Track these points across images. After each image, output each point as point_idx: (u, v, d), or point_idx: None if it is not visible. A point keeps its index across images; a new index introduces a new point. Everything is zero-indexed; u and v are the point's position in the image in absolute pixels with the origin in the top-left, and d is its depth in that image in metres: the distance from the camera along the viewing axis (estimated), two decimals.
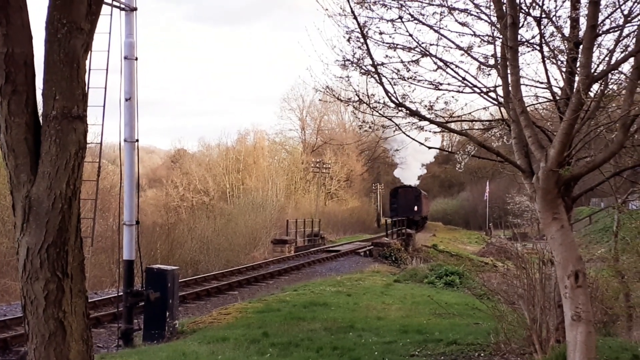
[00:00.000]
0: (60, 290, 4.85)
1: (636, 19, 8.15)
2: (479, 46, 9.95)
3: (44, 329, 4.83)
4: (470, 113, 10.84)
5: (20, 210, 4.88)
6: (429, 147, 10.55)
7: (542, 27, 9.30)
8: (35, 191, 4.82)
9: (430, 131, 10.24)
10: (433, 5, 9.65)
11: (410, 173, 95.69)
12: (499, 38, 9.32)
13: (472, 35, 9.86)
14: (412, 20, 9.64)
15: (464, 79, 9.85)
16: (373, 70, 9.49)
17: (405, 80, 9.93)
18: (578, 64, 8.11)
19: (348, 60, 9.83)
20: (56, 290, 4.84)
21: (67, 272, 4.89)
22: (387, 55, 9.88)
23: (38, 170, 4.84)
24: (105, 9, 14.07)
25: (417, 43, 9.77)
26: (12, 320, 18.00)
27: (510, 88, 8.69)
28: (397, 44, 9.83)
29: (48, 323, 4.83)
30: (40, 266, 4.81)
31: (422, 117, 9.71)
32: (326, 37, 9.84)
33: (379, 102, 9.81)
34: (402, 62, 9.88)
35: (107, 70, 14.57)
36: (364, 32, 9.42)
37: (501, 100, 9.52)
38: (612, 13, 8.85)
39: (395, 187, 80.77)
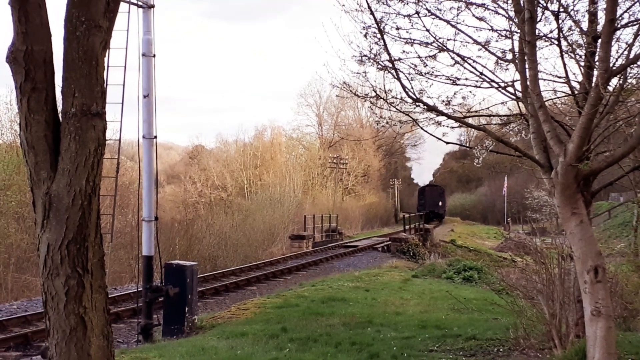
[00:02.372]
0: (80, 286, 4.89)
1: None
2: (497, 41, 9.92)
3: (65, 324, 4.87)
4: (488, 108, 10.81)
5: (40, 207, 4.92)
6: (447, 143, 10.51)
7: (560, 21, 9.27)
8: (55, 188, 4.86)
9: (447, 126, 10.22)
10: (450, 0, 9.63)
11: (425, 168, 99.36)
12: (517, 32, 9.29)
13: (489, 30, 9.84)
14: (429, 16, 9.63)
15: (481, 73, 9.83)
16: (390, 65, 9.49)
17: (422, 75, 9.92)
18: (596, 58, 8.06)
19: (365, 55, 9.83)
20: (77, 286, 4.88)
21: (87, 268, 4.93)
22: (404, 51, 9.87)
23: (58, 167, 4.88)
24: (123, 7, 14.13)
25: (434, 38, 9.75)
26: (33, 315, 18.15)
27: (528, 83, 8.66)
28: (414, 39, 9.82)
29: (69, 318, 4.87)
30: (60, 262, 4.85)
31: (440, 113, 9.69)
32: (343, 32, 9.85)
33: (396, 98, 9.80)
34: (419, 57, 9.87)
35: (125, 67, 14.63)
36: (381, 27, 9.42)
37: (519, 95, 9.49)
38: (631, 7, 8.82)
39: (423, 186, 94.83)
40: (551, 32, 9.58)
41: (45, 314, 4.99)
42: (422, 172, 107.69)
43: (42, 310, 5.08)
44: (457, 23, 9.66)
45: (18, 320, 17.78)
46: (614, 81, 8.55)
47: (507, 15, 9.67)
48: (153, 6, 15.80)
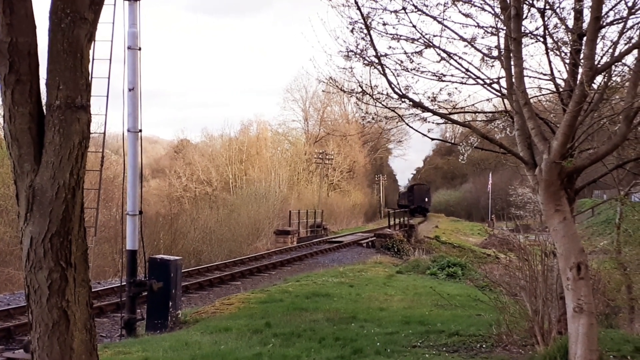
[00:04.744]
0: (63, 279, 4.86)
1: None
2: (483, 37, 9.95)
3: (48, 318, 4.85)
4: (473, 104, 10.83)
5: (23, 200, 4.89)
6: (432, 139, 10.55)
7: (546, 18, 9.31)
8: (38, 181, 4.83)
9: (433, 122, 10.24)
10: None
11: (410, 164, 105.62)
12: (503, 29, 9.32)
13: (475, 26, 9.86)
14: (415, 11, 9.64)
15: (467, 70, 9.86)
16: (376, 61, 9.49)
17: (408, 71, 9.94)
18: (581, 55, 8.09)
19: (351, 51, 9.82)
20: (60, 279, 4.85)
21: (70, 261, 4.90)
22: (390, 47, 9.88)
23: (42, 160, 4.85)
24: None
25: (421, 34, 9.77)
26: (16, 309, 18.07)
27: (513, 79, 8.68)
28: (401, 35, 9.83)
29: (52, 312, 4.84)
30: (44, 255, 4.82)
31: (425, 109, 9.71)
32: (329, 28, 9.85)
33: (382, 93, 9.81)
34: (405, 53, 9.88)
35: (110, 60, 14.57)
36: (368, 23, 9.42)
37: (504, 91, 9.52)
38: (616, 5, 8.85)
39: (412, 184, 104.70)
40: (537, 29, 9.63)
41: (28, 308, 4.96)
42: (407, 169, 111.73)
43: (25, 304, 5.05)
44: (444, 19, 9.68)
45: (0, 313, 17.69)
46: (599, 79, 8.61)
47: (493, 12, 9.70)
48: None
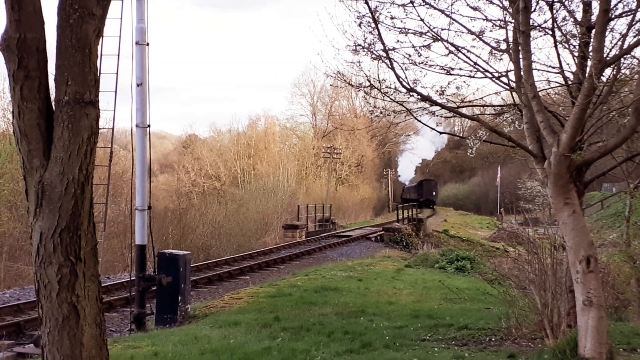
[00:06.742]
0: (73, 274, 4.87)
1: None
2: (491, 31, 9.94)
3: (58, 312, 4.85)
4: (481, 98, 10.82)
5: (33, 195, 4.89)
6: (440, 132, 10.54)
7: (555, 11, 9.28)
8: (48, 176, 4.83)
9: (441, 116, 10.23)
10: None
11: (417, 158, 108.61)
12: (511, 22, 9.30)
13: (484, 19, 9.84)
14: (423, 5, 9.62)
15: (475, 63, 9.84)
16: (384, 55, 9.48)
17: (416, 65, 9.93)
18: (590, 48, 8.07)
19: (359, 45, 9.82)
20: (69, 274, 4.85)
21: (80, 256, 4.90)
22: (398, 40, 9.87)
23: (51, 156, 4.84)
24: None
25: (429, 28, 9.75)
26: (26, 304, 18.13)
27: (522, 73, 8.67)
28: (409, 29, 9.81)
29: (61, 307, 4.85)
30: (53, 250, 4.82)
31: (434, 102, 9.70)
32: (337, 22, 9.85)
33: (390, 87, 9.81)
34: (413, 47, 9.87)
35: (118, 55, 14.57)
36: (375, 16, 9.40)
37: (513, 85, 9.50)
38: None
39: (421, 180, 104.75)
40: (545, 22, 9.60)
41: (37, 303, 4.96)
42: (416, 162, 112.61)
43: (35, 299, 5.06)
44: (452, 13, 9.67)
45: (10, 308, 17.76)
46: (608, 72, 8.58)
47: (501, 5, 9.68)
48: None
